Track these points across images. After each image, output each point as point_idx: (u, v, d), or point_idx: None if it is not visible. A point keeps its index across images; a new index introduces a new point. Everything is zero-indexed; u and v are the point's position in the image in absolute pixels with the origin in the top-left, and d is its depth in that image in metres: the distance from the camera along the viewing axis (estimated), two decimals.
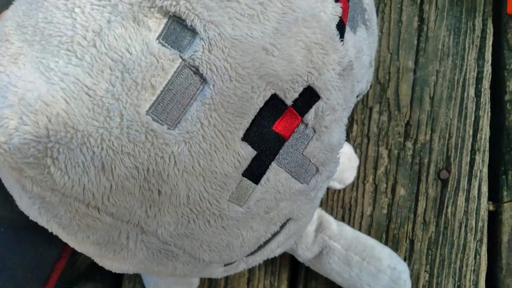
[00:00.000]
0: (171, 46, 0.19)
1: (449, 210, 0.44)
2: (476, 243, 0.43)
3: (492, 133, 0.44)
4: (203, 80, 0.19)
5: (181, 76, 0.19)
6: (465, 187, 0.44)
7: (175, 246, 0.24)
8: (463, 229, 0.43)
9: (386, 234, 0.44)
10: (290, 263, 0.43)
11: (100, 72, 0.18)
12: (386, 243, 0.43)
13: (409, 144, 0.45)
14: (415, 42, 0.46)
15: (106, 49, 0.18)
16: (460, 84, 0.45)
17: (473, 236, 0.43)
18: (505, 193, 0.44)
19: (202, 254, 0.25)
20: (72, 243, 0.23)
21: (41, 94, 0.18)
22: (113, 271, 0.26)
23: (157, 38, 0.19)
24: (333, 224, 0.40)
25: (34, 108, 0.18)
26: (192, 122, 0.20)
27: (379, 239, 0.43)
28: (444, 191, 0.44)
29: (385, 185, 0.45)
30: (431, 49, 0.46)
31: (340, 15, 0.22)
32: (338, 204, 0.45)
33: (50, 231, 0.22)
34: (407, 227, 0.44)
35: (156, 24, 0.19)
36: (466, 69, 0.46)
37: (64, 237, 0.22)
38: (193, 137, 0.20)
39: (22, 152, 0.18)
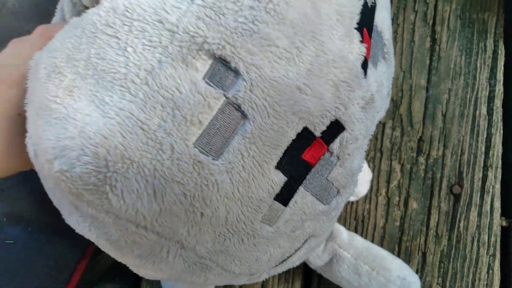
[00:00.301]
0: (216, 85, 0.21)
1: (461, 224, 0.44)
2: (489, 258, 0.43)
3: (504, 150, 0.45)
4: (244, 116, 0.21)
5: (225, 112, 0.21)
6: (478, 202, 0.44)
7: (210, 260, 0.26)
8: (475, 243, 0.44)
9: (399, 246, 0.45)
10: (303, 271, 0.45)
11: (153, 109, 0.20)
12: (398, 255, 0.44)
13: (421, 159, 0.46)
14: (428, 61, 0.48)
15: (158, 87, 0.20)
16: (472, 102, 0.47)
17: (485, 251, 0.43)
18: None
19: (233, 267, 0.27)
20: (115, 255, 0.25)
21: (100, 128, 0.19)
22: (146, 278, 0.28)
23: (203, 78, 0.21)
24: (343, 233, 0.41)
25: (94, 141, 0.19)
26: (234, 154, 0.22)
27: (391, 251, 0.44)
28: (456, 205, 0.45)
29: (397, 198, 0.46)
30: (443, 68, 0.48)
31: (365, 54, 0.24)
32: (351, 215, 0.46)
33: (96, 244, 0.24)
34: (420, 239, 0.45)
35: (203, 65, 0.20)
36: (478, 88, 0.47)
37: (109, 250, 0.24)
38: (234, 167, 0.22)
39: (83, 180, 0.20)
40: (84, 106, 0.20)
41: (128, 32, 0.20)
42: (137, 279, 0.48)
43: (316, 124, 0.23)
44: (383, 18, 0.27)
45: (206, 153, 0.21)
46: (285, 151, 0.23)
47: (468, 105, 0.47)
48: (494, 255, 0.43)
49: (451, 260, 0.44)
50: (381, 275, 0.39)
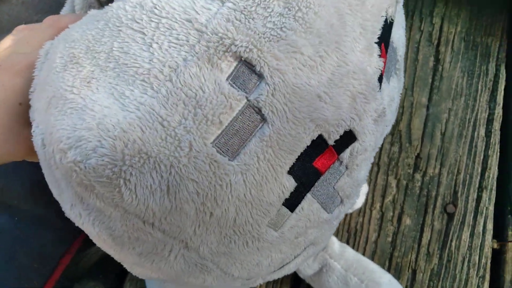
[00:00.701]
0: (239, 87, 0.21)
1: (453, 244, 0.44)
2: (479, 279, 0.43)
3: (500, 173, 0.46)
4: (264, 119, 0.22)
5: (245, 114, 0.21)
6: (471, 223, 0.45)
7: (212, 262, 0.25)
8: (466, 264, 0.44)
9: (389, 262, 0.45)
10: (291, 280, 0.44)
11: (175, 106, 0.20)
12: (388, 271, 0.44)
13: (418, 176, 0.46)
14: (430, 80, 0.48)
15: (181, 85, 0.20)
16: (471, 123, 0.47)
17: (475, 272, 0.43)
18: (510, 232, 0.44)
19: (233, 271, 0.26)
20: (114, 251, 0.24)
21: (119, 121, 0.19)
22: (139, 277, 0.27)
23: (227, 79, 0.21)
24: (335, 244, 0.41)
25: (112, 133, 0.19)
26: (250, 156, 0.22)
27: (382, 266, 0.44)
28: (449, 224, 0.45)
29: (391, 214, 0.46)
30: (444, 88, 0.48)
31: (382, 68, 0.25)
32: (344, 228, 0.46)
33: (95, 240, 0.24)
34: (411, 256, 0.45)
35: (227, 66, 0.21)
36: (478, 109, 0.47)
37: (110, 246, 0.24)
38: (249, 169, 0.22)
39: (96, 172, 0.19)
40: (103, 98, 0.20)
41: (155, 28, 0.20)
42: (121, 278, 0.47)
43: (331, 133, 0.23)
44: (399, 36, 0.28)
45: (223, 153, 0.21)
46: (299, 156, 0.23)
47: (467, 126, 0.47)
48: (483, 277, 0.43)
49: (441, 279, 0.44)
50: None
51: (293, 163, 0.23)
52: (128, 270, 0.26)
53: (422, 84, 0.48)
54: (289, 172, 0.23)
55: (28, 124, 0.25)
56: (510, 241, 0.44)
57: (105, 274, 0.50)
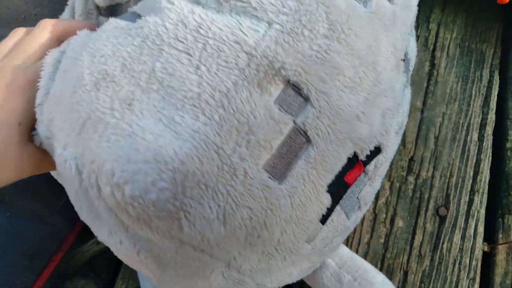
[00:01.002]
0: (286, 111, 0.21)
1: (444, 246, 0.45)
2: (469, 281, 0.44)
3: (491, 177, 0.47)
4: (309, 141, 0.22)
5: (291, 137, 0.21)
6: (462, 226, 0.45)
7: (249, 277, 0.25)
8: (456, 266, 0.44)
9: (381, 263, 0.45)
10: None
11: (229, 133, 0.19)
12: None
13: (411, 179, 0.47)
14: (425, 84, 0.49)
15: (234, 111, 0.19)
16: (465, 127, 0.48)
17: (466, 274, 0.44)
18: (500, 235, 0.45)
19: (268, 283, 0.27)
20: (153, 273, 0.23)
21: (176, 152, 0.18)
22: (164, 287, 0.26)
23: (275, 102, 0.20)
24: None
25: (171, 165, 0.18)
26: (297, 178, 0.22)
27: (374, 267, 0.44)
28: (441, 227, 0.45)
29: (384, 215, 0.46)
30: (439, 92, 0.49)
31: (405, 83, 0.25)
32: None
33: (137, 264, 0.23)
34: (402, 258, 0.45)
35: (275, 90, 0.20)
36: (471, 114, 0.48)
37: (151, 269, 0.23)
38: (296, 191, 0.22)
39: (157, 206, 0.18)
40: (151, 124, 0.19)
41: (201, 49, 0.19)
42: (112, 276, 0.47)
43: (363, 149, 0.24)
44: (412, 47, 0.29)
45: (273, 178, 0.21)
46: (336, 174, 0.24)
47: (461, 130, 0.48)
48: (474, 279, 0.44)
49: (432, 280, 0.44)
50: (363, 286, 0.39)
51: (332, 181, 0.23)
52: (156, 283, 0.25)
53: (417, 88, 0.49)
54: (328, 190, 0.24)
55: (29, 140, 0.24)
56: (500, 244, 0.45)
57: (96, 272, 0.50)
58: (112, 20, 0.22)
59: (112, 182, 0.18)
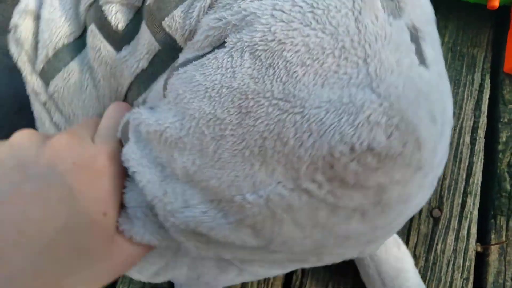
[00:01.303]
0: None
1: (438, 247, 0.46)
2: (463, 281, 0.45)
3: (484, 179, 0.47)
4: None
5: None
6: (456, 227, 0.46)
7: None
8: (450, 266, 0.45)
9: None
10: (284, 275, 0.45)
11: None
12: None
13: None
14: None
15: None
16: (457, 131, 0.49)
17: (460, 274, 0.45)
18: (493, 236, 0.46)
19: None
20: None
21: None
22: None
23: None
24: None
25: None
26: None
27: None
28: (435, 228, 0.46)
29: None
30: None
31: None
32: None
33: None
34: None
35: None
36: (463, 118, 0.49)
37: None
38: None
39: None
40: None
41: None
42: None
43: None
44: None
45: None
46: None
47: (453, 133, 0.49)
48: (467, 279, 0.45)
49: (427, 281, 0.45)
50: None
51: None
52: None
53: None
54: None
55: (115, 229, 0.19)
56: (493, 245, 0.46)
57: None
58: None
59: None
